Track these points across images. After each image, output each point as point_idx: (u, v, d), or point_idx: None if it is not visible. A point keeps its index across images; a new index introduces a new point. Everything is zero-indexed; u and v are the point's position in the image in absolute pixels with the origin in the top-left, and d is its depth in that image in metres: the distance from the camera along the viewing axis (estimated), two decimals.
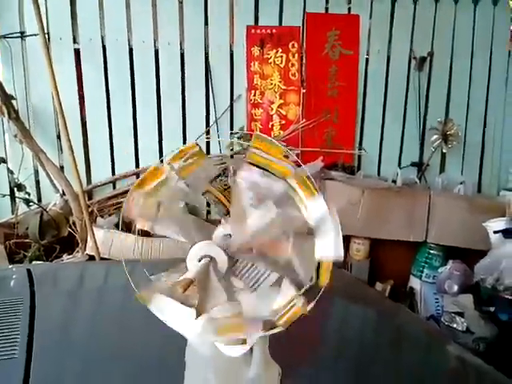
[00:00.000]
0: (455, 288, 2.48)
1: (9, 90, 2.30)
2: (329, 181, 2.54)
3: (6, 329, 1.08)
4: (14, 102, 2.32)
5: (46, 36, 2.35)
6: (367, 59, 2.75)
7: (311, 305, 0.51)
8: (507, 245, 2.06)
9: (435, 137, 2.66)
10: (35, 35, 2.18)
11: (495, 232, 2.09)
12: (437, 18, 2.77)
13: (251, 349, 0.63)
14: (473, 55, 2.83)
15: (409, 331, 1.19)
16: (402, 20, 2.75)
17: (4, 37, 2.40)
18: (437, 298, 2.64)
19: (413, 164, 2.84)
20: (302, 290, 0.52)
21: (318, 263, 0.50)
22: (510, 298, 2.01)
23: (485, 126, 2.90)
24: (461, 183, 2.80)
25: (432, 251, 2.66)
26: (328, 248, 0.50)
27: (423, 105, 2.80)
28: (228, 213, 0.62)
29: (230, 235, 0.58)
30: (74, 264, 2.13)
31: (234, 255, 0.57)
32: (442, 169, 2.91)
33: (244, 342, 0.55)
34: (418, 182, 2.73)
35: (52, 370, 1.00)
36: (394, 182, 2.71)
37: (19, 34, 2.43)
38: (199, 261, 0.56)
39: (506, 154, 2.93)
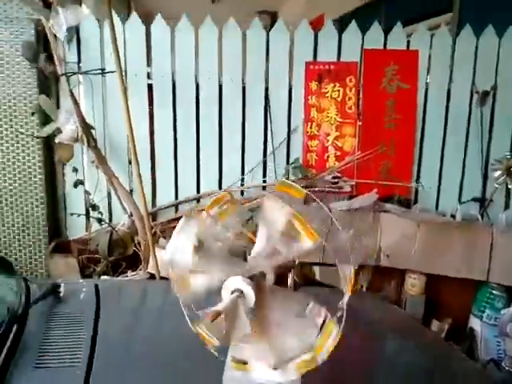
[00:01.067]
0: None
1: (89, 120, 2.58)
2: (383, 213, 2.54)
3: (72, 338, 1.22)
4: (93, 131, 2.59)
5: (123, 73, 2.65)
6: (426, 93, 2.75)
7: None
8: None
9: (499, 172, 2.57)
10: (114, 72, 2.44)
11: None
12: (500, 53, 2.72)
13: None
14: None
15: (459, 377, 1.17)
16: (464, 54, 2.73)
17: (86, 73, 2.70)
18: (498, 341, 2.52)
19: (474, 199, 2.75)
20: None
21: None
22: None
23: None
24: None
25: (494, 291, 2.54)
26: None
27: (486, 139, 2.73)
28: None
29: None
30: (136, 281, 2.30)
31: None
32: (507, 205, 2.78)
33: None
34: (479, 218, 2.64)
35: (110, 380, 1.12)
36: (454, 217, 2.63)
37: (100, 71, 2.72)
38: (232, 293, 0.64)
39: None
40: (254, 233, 0.78)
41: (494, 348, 2.55)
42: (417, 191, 2.80)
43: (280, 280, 0.80)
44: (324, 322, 0.66)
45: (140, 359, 1.22)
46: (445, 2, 4.58)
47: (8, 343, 1.12)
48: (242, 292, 0.64)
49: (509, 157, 2.59)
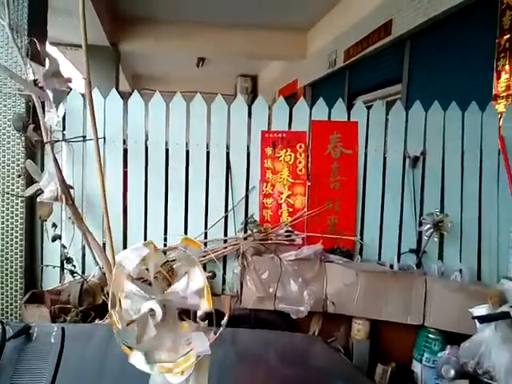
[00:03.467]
0: (452, 373, 2.54)
1: (69, 181, 2.89)
2: (328, 263, 2.84)
3: (37, 369, 1.47)
4: (71, 190, 2.91)
5: (103, 139, 3.02)
6: (365, 157, 3.16)
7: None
8: (486, 330, 2.20)
9: (428, 226, 2.92)
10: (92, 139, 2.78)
11: (473, 317, 2.25)
12: (427, 123, 3.17)
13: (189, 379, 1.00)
14: (463, 153, 3.16)
15: None
16: (396, 124, 3.18)
17: (69, 140, 3.05)
18: (437, 383, 2.71)
19: (411, 250, 3.09)
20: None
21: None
22: (489, 381, 2.11)
23: (480, 217, 3.13)
24: (459, 270, 2.97)
25: (431, 335, 2.78)
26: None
27: (418, 197, 3.12)
28: (169, 284, 1.01)
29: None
30: (100, 326, 2.53)
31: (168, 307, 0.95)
32: (441, 256, 3.11)
33: (182, 373, 0.93)
34: (414, 267, 2.95)
35: None
36: (392, 266, 2.94)
37: (81, 138, 3.09)
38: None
39: (503, 245, 3.10)
40: (168, 272, 1.09)
41: None
42: (361, 244, 3.13)
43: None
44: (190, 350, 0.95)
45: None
46: (396, 74, 5.20)
47: None
48: (152, 310, 0.94)
49: (438, 213, 2.95)
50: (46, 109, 2.69)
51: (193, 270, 0.98)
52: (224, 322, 1.05)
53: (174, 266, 1.13)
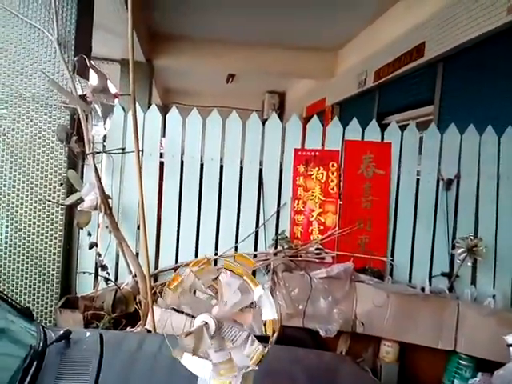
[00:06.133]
0: None
1: (107, 191, 3.01)
2: (358, 283, 2.84)
3: (80, 374, 1.53)
4: (109, 201, 3.02)
5: (140, 152, 3.13)
6: (398, 178, 3.17)
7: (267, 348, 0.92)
8: None
9: (461, 249, 2.88)
10: (132, 152, 2.90)
11: (508, 345, 2.21)
12: (462, 146, 3.16)
13: None
14: (499, 178, 3.13)
15: None
16: (430, 146, 3.18)
17: (110, 152, 3.17)
18: None
19: (443, 274, 3.05)
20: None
21: (265, 322, 0.91)
22: None
23: None
24: (493, 296, 2.92)
25: (462, 361, 2.73)
26: (267, 313, 0.91)
27: (451, 221, 3.09)
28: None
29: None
30: (134, 333, 2.59)
31: (220, 321, 1.00)
32: (474, 281, 3.06)
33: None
34: (446, 291, 2.91)
35: None
36: (423, 289, 2.90)
37: (121, 150, 3.20)
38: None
39: None
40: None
41: None
42: (392, 265, 3.11)
43: None
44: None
45: None
46: (428, 96, 5.20)
47: (29, 375, 1.43)
48: (207, 323, 0.99)
49: (472, 237, 2.92)
50: (91, 122, 2.82)
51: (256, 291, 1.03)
52: (273, 339, 1.09)
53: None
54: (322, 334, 2.69)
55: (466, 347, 2.71)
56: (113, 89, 2.73)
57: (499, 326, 2.61)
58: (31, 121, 3.09)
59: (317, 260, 3.02)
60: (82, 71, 3.05)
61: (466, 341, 2.72)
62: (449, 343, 2.73)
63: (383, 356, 2.81)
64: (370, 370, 2.77)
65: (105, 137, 3.14)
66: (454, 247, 3.01)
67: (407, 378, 2.81)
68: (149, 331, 2.66)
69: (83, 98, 2.92)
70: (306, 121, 3.19)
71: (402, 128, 3.23)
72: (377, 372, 2.84)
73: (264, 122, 3.25)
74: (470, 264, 2.90)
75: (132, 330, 2.77)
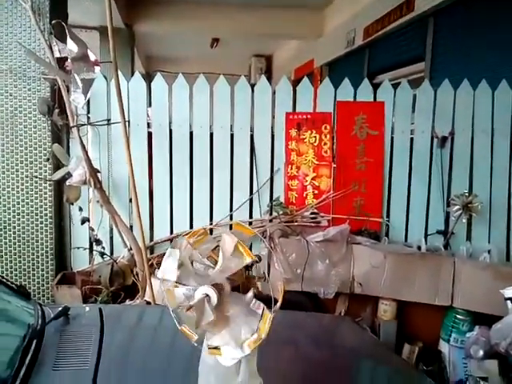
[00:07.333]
0: (481, 353, 2.55)
1: (95, 165, 2.92)
2: (355, 245, 2.84)
3: (81, 349, 1.52)
4: (98, 174, 2.93)
5: (127, 123, 3.02)
6: (392, 138, 3.12)
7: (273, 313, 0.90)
8: None
9: (457, 207, 2.89)
10: (118, 122, 2.80)
11: (506, 299, 2.24)
12: (456, 101, 3.10)
13: (241, 362, 1.02)
14: (493, 133, 3.09)
15: None
16: (424, 103, 3.11)
17: (95, 124, 3.05)
18: (465, 363, 2.72)
19: (438, 232, 3.06)
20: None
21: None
22: None
23: (509, 197, 3.09)
24: (488, 251, 2.95)
25: (459, 316, 2.77)
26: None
27: (446, 178, 3.07)
28: None
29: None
30: (134, 306, 2.58)
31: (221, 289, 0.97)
32: (469, 237, 3.09)
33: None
34: (442, 249, 2.93)
35: (114, 381, 1.42)
36: (419, 248, 2.92)
37: (106, 122, 3.09)
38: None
39: None
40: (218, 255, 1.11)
41: (461, 369, 2.74)
42: (387, 225, 3.11)
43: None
44: (263, 311, 0.97)
45: (138, 364, 1.52)
46: (419, 52, 5.07)
47: (30, 354, 1.41)
48: (207, 295, 0.96)
49: (466, 194, 2.92)
50: (71, 90, 2.69)
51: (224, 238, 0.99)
52: (278, 305, 1.06)
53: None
54: (320, 296, 2.71)
55: (462, 302, 2.75)
56: (92, 56, 2.59)
57: (495, 280, 2.64)
58: (10, 95, 2.95)
59: (313, 224, 3.01)
60: (60, 40, 2.89)
61: (463, 296, 2.75)
62: (445, 299, 2.76)
63: (381, 314, 2.85)
64: (368, 329, 2.82)
65: (89, 108, 3.03)
66: (449, 204, 3.00)
67: (405, 335, 2.86)
68: (148, 303, 2.65)
69: (62, 67, 2.78)
70: (294, 83, 3.07)
71: (394, 86, 3.14)
72: (375, 330, 2.89)
73: (252, 86, 3.14)
74: (464, 221, 2.91)
75: (131, 302, 2.77)
